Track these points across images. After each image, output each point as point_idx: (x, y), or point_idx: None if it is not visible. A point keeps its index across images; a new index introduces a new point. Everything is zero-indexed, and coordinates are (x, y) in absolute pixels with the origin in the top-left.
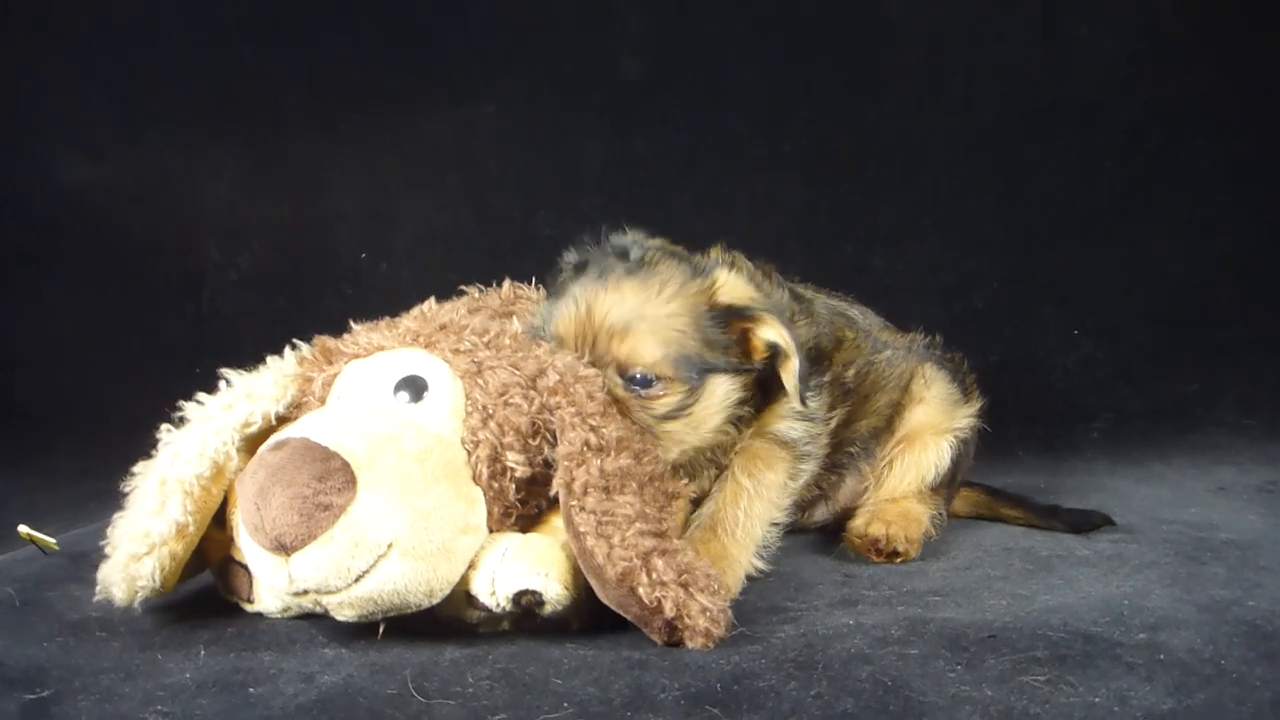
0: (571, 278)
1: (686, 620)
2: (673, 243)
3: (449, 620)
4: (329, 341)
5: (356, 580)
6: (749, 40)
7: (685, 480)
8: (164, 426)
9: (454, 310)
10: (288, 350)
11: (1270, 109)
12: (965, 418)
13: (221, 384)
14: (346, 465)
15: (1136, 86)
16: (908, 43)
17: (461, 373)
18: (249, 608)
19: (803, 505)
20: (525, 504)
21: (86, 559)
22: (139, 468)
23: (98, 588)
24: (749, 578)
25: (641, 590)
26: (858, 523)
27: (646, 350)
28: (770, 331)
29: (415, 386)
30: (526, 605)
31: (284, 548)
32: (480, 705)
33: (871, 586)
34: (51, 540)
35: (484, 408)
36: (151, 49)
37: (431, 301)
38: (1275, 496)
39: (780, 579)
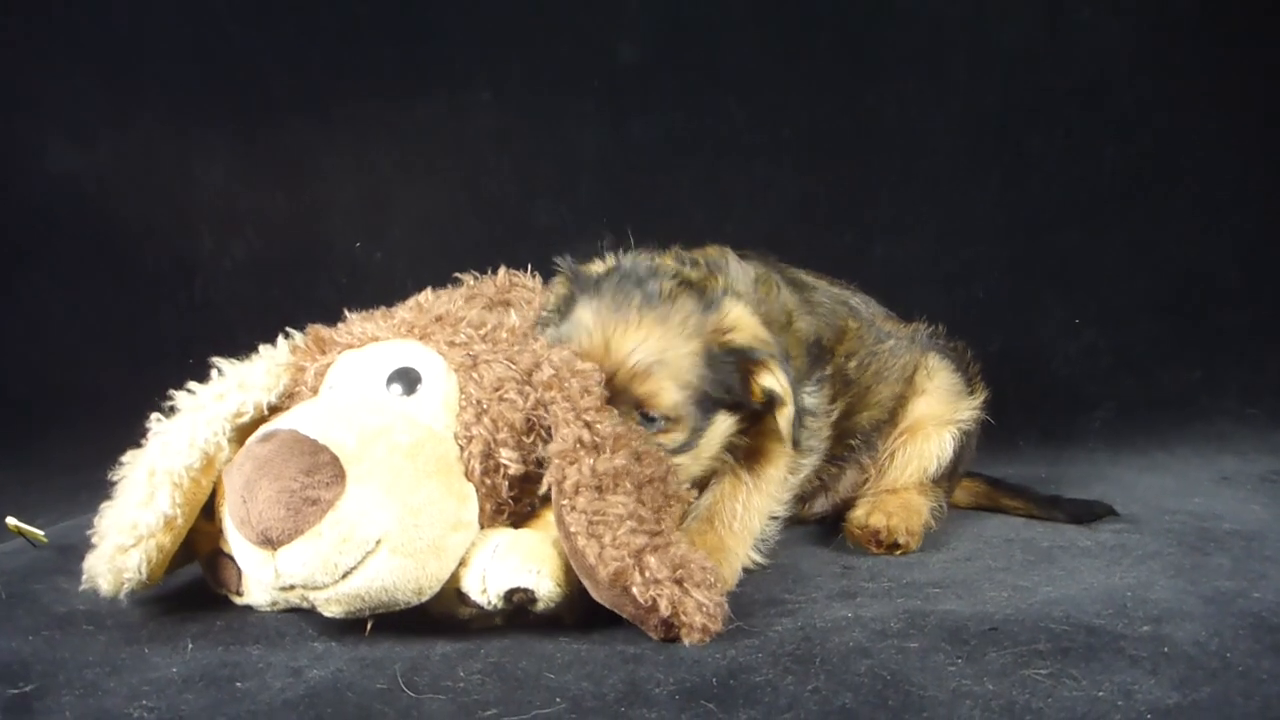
0: (580, 294)
1: (682, 617)
2: (671, 234)
3: (440, 616)
4: (322, 330)
5: (344, 576)
6: (747, 25)
7: (688, 486)
8: (154, 416)
9: (450, 301)
10: (280, 339)
11: (1274, 94)
12: (969, 409)
13: (213, 373)
14: (335, 459)
15: (1139, 72)
16: (908, 27)
17: (456, 366)
18: (238, 600)
19: (803, 497)
20: (518, 501)
21: (75, 551)
22: (128, 457)
23: (83, 578)
24: (746, 570)
25: (635, 590)
26: (858, 514)
27: (667, 396)
28: (770, 380)
29: (409, 379)
30: (518, 602)
31: (270, 542)
32: (471, 700)
33: (871, 579)
34: (40, 533)
35: (478, 402)
36: (143, 33)
37: (428, 292)
38: (1279, 486)
39: (778, 571)
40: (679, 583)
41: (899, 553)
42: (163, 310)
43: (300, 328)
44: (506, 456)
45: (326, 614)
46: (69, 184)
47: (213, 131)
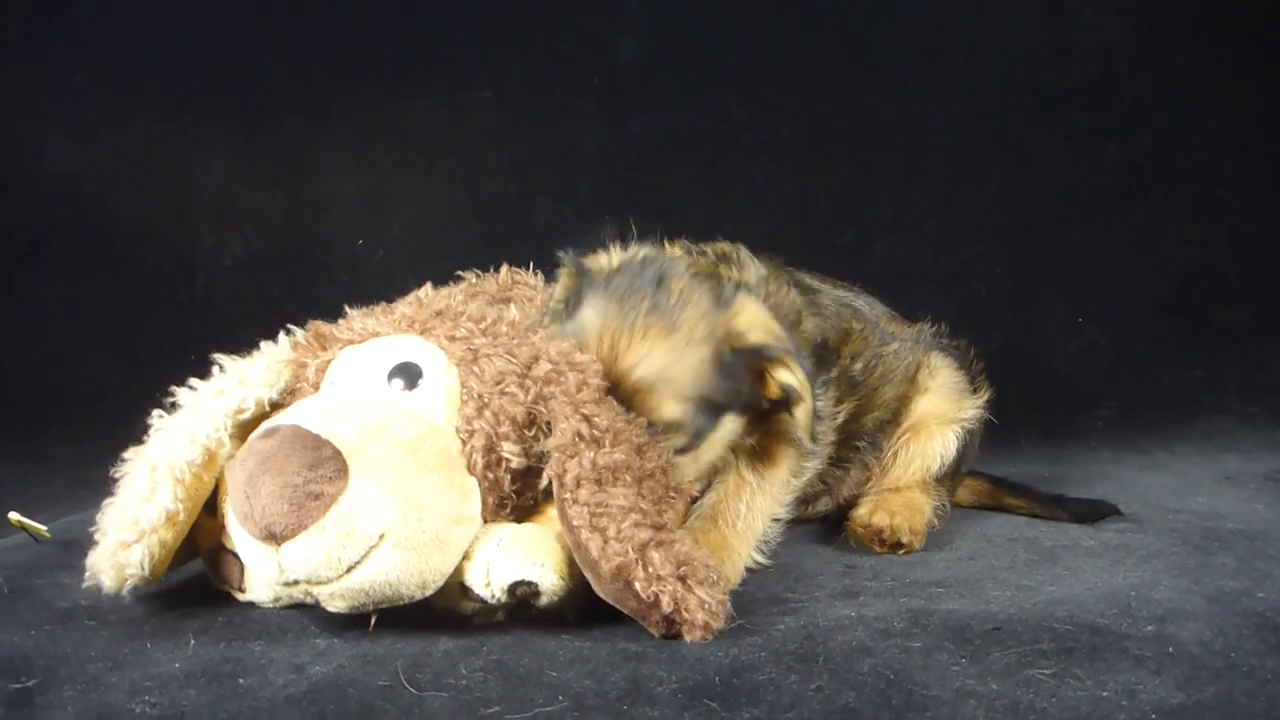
0: (588, 290)
1: (685, 614)
2: (671, 233)
3: (443, 611)
4: (323, 327)
5: (348, 571)
6: (748, 23)
7: (691, 479)
8: (156, 412)
9: (450, 296)
10: (282, 335)
11: (1275, 93)
12: (972, 408)
13: (215, 369)
14: (338, 454)
15: (1140, 71)
16: (909, 27)
17: (457, 360)
18: (240, 597)
19: (806, 499)
20: (520, 495)
21: (77, 546)
22: (130, 454)
23: (86, 574)
24: (748, 570)
25: (638, 585)
26: (861, 512)
27: (669, 409)
28: (787, 374)
29: (410, 374)
30: (522, 596)
31: (274, 537)
32: (473, 697)
33: (874, 577)
34: (43, 528)
35: (479, 396)
36: (143, 33)
37: (428, 287)
38: None
39: (781, 569)
40: (682, 579)
41: (902, 552)
42: (163, 308)
43: (301, 325)
44: (508, 450)
45: (330, 609)
46: (69, 182)
47: (213, 130)
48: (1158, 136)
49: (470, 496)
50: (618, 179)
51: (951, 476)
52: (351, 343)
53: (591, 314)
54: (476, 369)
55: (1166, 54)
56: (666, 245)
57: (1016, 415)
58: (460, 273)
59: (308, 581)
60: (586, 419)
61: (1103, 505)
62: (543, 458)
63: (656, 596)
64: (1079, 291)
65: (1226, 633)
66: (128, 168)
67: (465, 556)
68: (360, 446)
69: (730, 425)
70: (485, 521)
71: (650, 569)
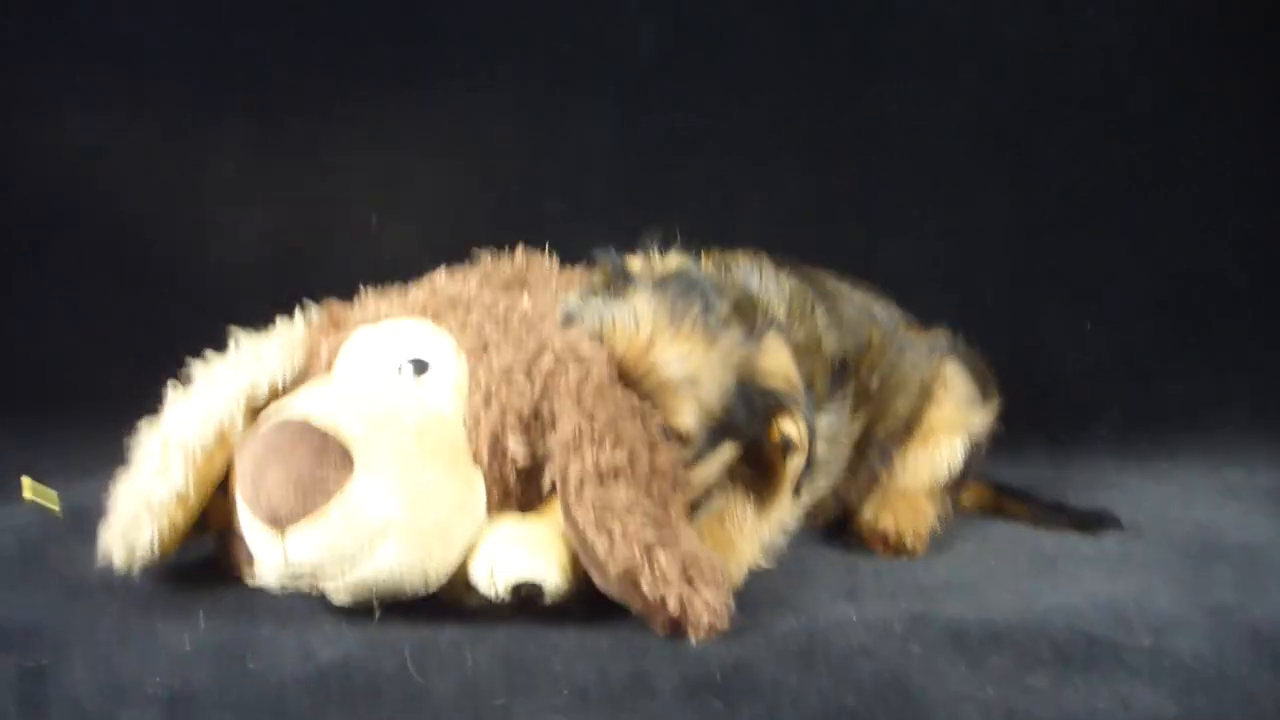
0: (639, 284)
1: (690, 615)
2: (680, 232)
3: (448, 602)
4: (338, 307)
5: (352, 564)
6: (752, 24)
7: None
8: (170, 383)
9: (464, 283)
10: (297, 313)
11: None
12: (981, 418)
13: (230, 344)
14: (343, 444)
15: (1145, 73)
16: (913, 28)
17: (467, 349)
18: (250, 581)
19: (816, 511)
20: (526, 488)
21: (88, 516)
22: (143, 427)
23: (98, 551)
24: (751, 570)
25: (645, 586)
26: (866, 514)
27: (688, 415)
28: (790, 426)
29: (419, 361)
30: (526, 595)
31: (278, 522)
32: (479, 686)
33: (875, 579)
34: (53, 493)
35: (487, 387)
36: (148, 30)
37: (443, 272)
38: None
39: (783, 568)
40: (689, 581)
41: (905, 555)
42: (168, 308)
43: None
44: (514, 443)
45: (335, 601)
46: (75, 181)
47: (220, 131)
48: (1161, 139)
49: (475, 488)
50: (624, 179)
51: (957, 483)
52: (364, 324)
53: (641, 302)
54: (485, 359)
55: (1170, 56)
56: (702, 257)
57: (1021, 420)
58: (477, 250)
59: (312, 574)
60: (590, 415)
61: (1104, 514)
62: (547, 454)
63: (663, 598)
64: (1084, 297)
65: (1222, 646)
66: (134, 167)
67: (470, 551)
68: (367, 436)
69: (727, 452)
70: (490, 514)
71: (657, 571)
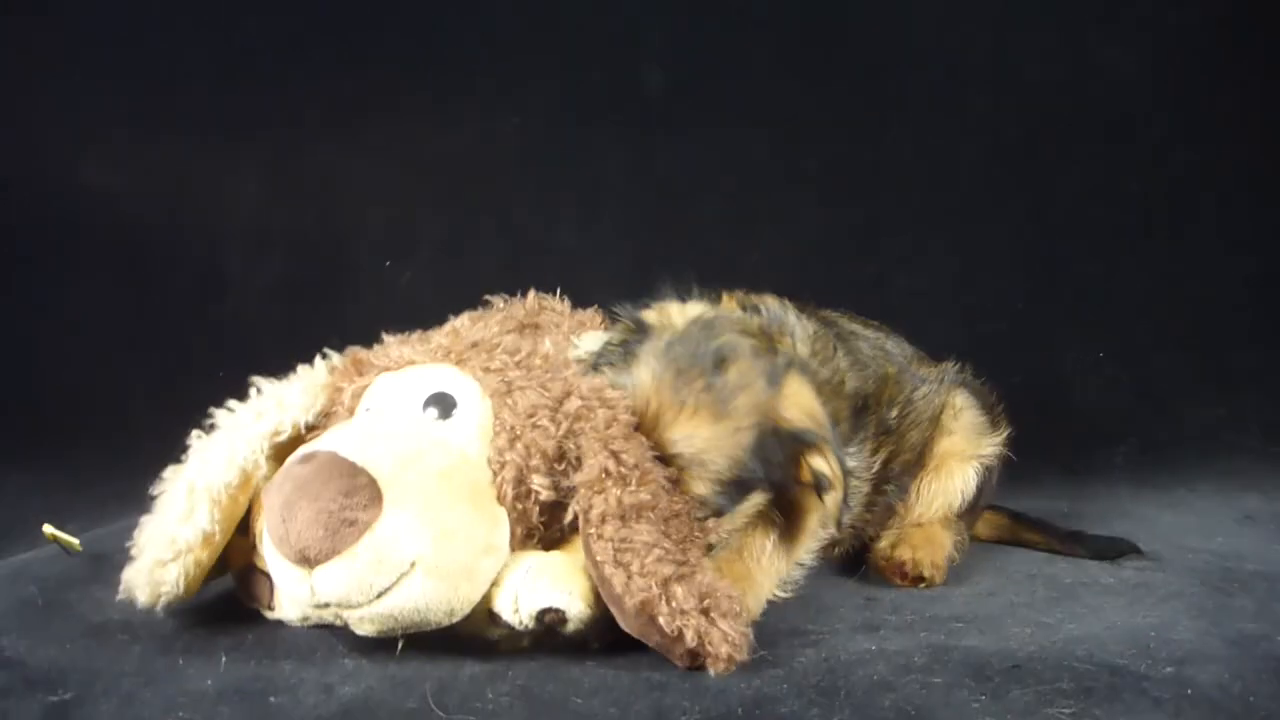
0: (647, 346)
1: (709, 647)
2: (694, 264)
3: (469, 636)
4: (360, 353)
5: (378, 597)
6: (772, 57)
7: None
8: (194, 433)
9: (486, 328)
10: (319, 360)
11: None
12: (991, 446)
13: (252, 391)
14: (373, 481)
15: (1160, 107)
16: (930, 62)
17: (491, 392)
18: (269, 615)
19: (833, 543)
20: (548, 526)
21: (109, 560)
22: (168, 473)
23: (121, 588)
24: (769, 601)
25: (662, 619)
26: (883, 545)
27: (699, 488)
28: (821, 463)
29: (444, 404)
30: (549, 623)
31: (308, 561)
32: None
33: (894, 611)
34: (75, 541)
35: (511, 428)
36: (174, 53)
37: (465, 317)
38: None
39: (802, 601)
40: (705, 613)
41: (923, 586)
42: (192, 326)
43: (328, 347)
44: (538, 483)
45: (360, 632)
46: (99, 198)
47: (244, 153)
48: (1177, 174)
49: (499, 527)
50: (641, 209)
51: (971, 511)
52: (388, 369)
53: (646, 374)
54: (510, 401)
55: (1183, 92)
56: (724, 297)
57: (1037, 450)
58: (488, 297)
59: (338, 605)
60: (615, 455)
61: (1122, 543)
62: (571, 492)
63: (680, 631)
64: (1098, 328)
65: (1245, 676)
66: (160, 187)
67: (494, 583)
68: (394, 475)
69: (756, 500)
70: (513, 551)
71: (674, 604)
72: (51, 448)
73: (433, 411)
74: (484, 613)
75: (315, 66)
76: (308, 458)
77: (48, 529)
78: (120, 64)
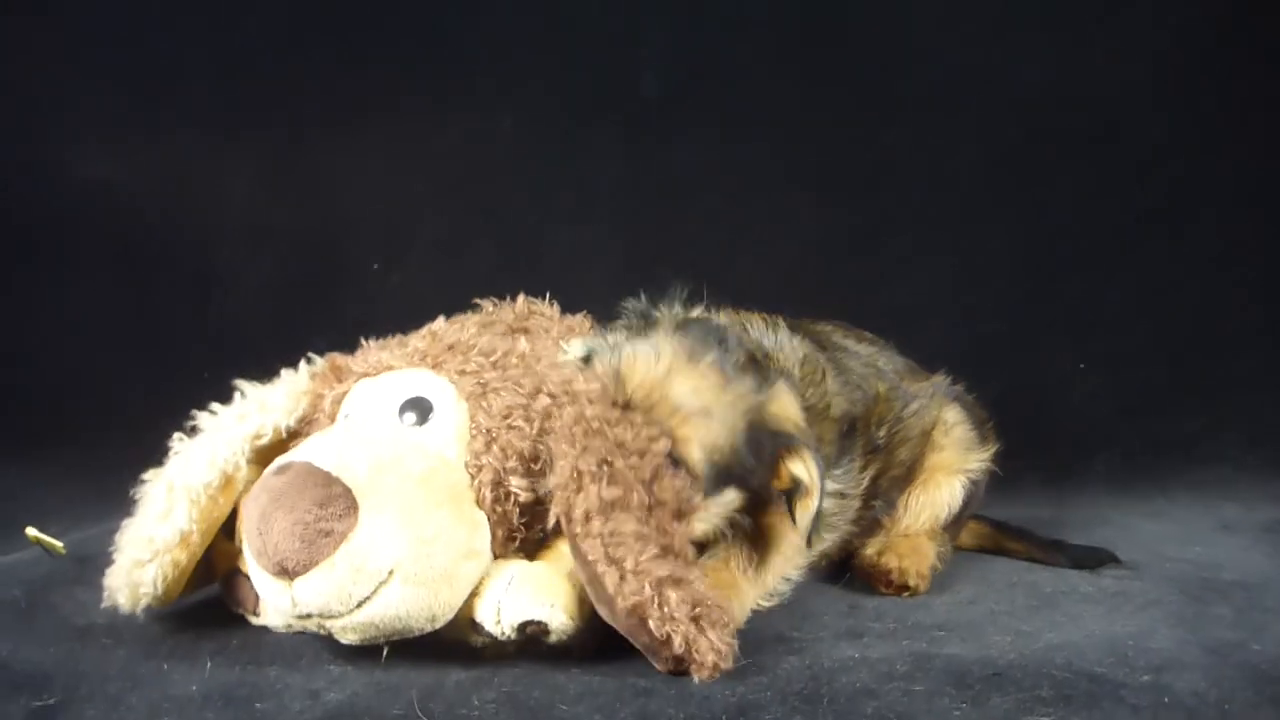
0: (663, 325)
1: (695, 655)
2: (689, 267)
3: (454, 642)
4: (340, 359)
5: (359, 606)
6: (768, 61)
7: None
8: (176, 435)
9: (463, 329)
10: (302, 364)
11: None
12: (978, 460)
13: (236, 395)
14: (348, 490)
15: (1154, 116)
16: (926, 68)
17: (467, 394)
18: (254, 620)
19: (820, 556)
20: (529, 528)
21: (92, 562)
22: (149, 475)
23: (104, 594)
24: (752, 610)
25: (652, 623)
26: (869, 553)
27: (697, 446)
28: (800, 468)
29: (421, 408)
30: (531, 635)
31: (286, 573)
32: None
33: (876, 618)
34: (58, 543)
35: (488, 431)
36: (172, 50)
37: (441, 320)
38: None
39: (786, 608)
40: (696, 620)
41: (907, 594)
42: (183, 324)
43: (318, 348)
44: (516, 485)
45: (343, 641)
46: (96, 197)
47: (240, 150)
48: (1164, 187)
49: (479, 531)
50: (636, 210)
51: (956, 523)
52: (366, 375)
53: (663, 339)
54: (485, 403)
55: (1175, 101)
56: (719, 311)
57: (1019, 459)
58: (477, 301)
59: (320, 615)
60: (585, 450)
61: (1102, 552)
62: (550, 494)
63: (669, 636)
64: (1083, 338)
65: (1221, 684)
66: (154, 184)
67: (476, 593)
68: (370, 483)
69: (730, 497)
70: (495, 555)
71: (665, 609)
72: (35, 449)
73: (410, 416)
74: (466, 621)
75: (312, 66)
76: (283, 468)
77: (31, 531)
78: (116, 62)
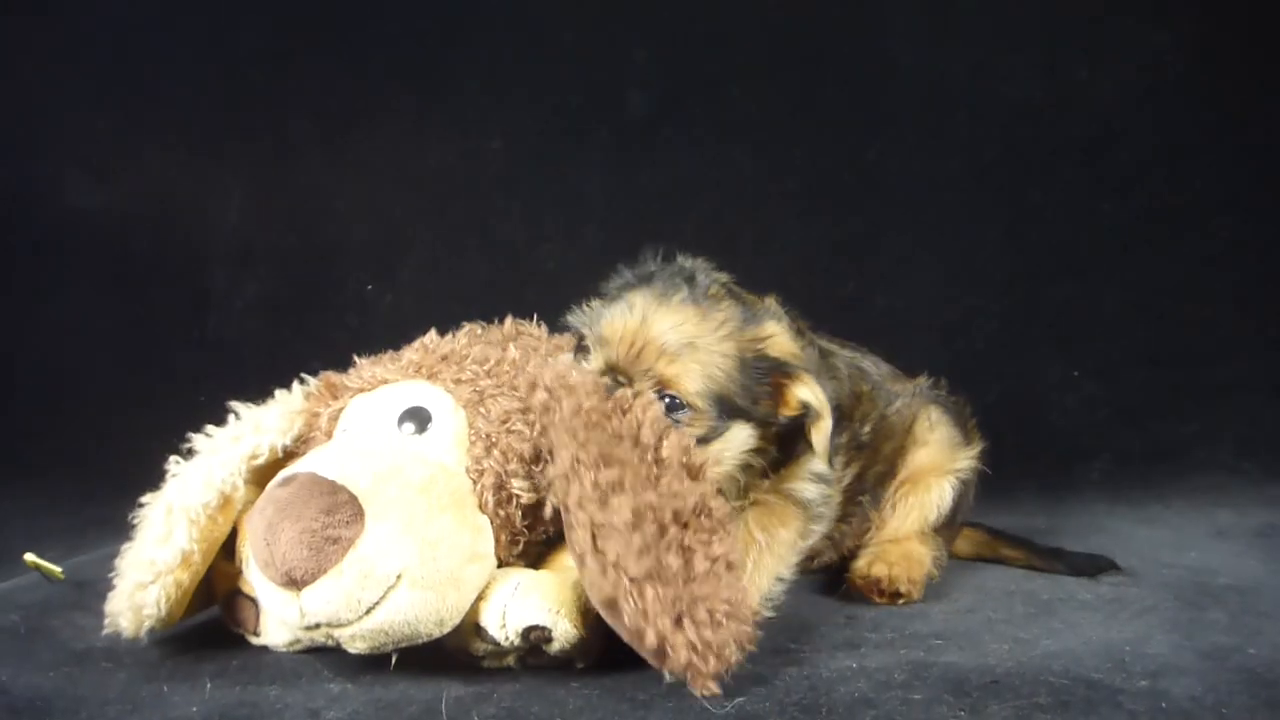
0: (630, 286)
1: (669, 653)
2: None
3: (456, 650)
4: (334, 376)
5: (367, 612)
6: (754, 76)
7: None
8: (172, 458)
9: (455, 340)
10: (296, 384)
11: (1271, 148)
12: (965, 459)
13: (230, 417)
14: (353, 498)
15: (1137, 127)
16: (911, 82)
17: (464, 402)
18: (254, 640)
19: (811, 555)
20: (532, 530)
21: (91, 587)
22: (147, 498)
23: (106, 620)
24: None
25: (625, 617)
26: (860, 564)
27: (690, 379)
28: (806, 391)
29: (419, 418)
30: (535, 641)
31: (295, 582)
32: None
33: (874, 629)
34: (57, 569)
35: (487, 436)
36: (161, 72)
37: (433, 333)
38: (1274, 541)
39: (783, 619)
40: (678, 618)
41: (901, 602)
42: (175, 347)
43: (310, 367)
44: (518, 487)
45: (352, 650)
46: (87, 221)
47: (229, 171)
48: (1154, 193)
49: (483, 534)
50: (625, 228)
51: (948, 526)
52: (361, 390)
53: (633, 294)
54: (483, 409)
55: (1162, 113)
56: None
57: (1013, 467)
58: (466, 323)
59: (329, 624)
60: (584, 445)
61: (1101, 559)
62: (549, 486)
63: (642, 631)
64: (1075, 345)
65: (1218, 688)
66: (144, 207)
67: (483, 598)
68: (374, 490)
69: (741, 434)
70: (499, 557)
71: (639, 604)
72: (32, 475)
73: (409, 426)
74: (471, 627)
75: (302, 86)
76: (287, 480)
77: (29, 557)
78: (106, 80)
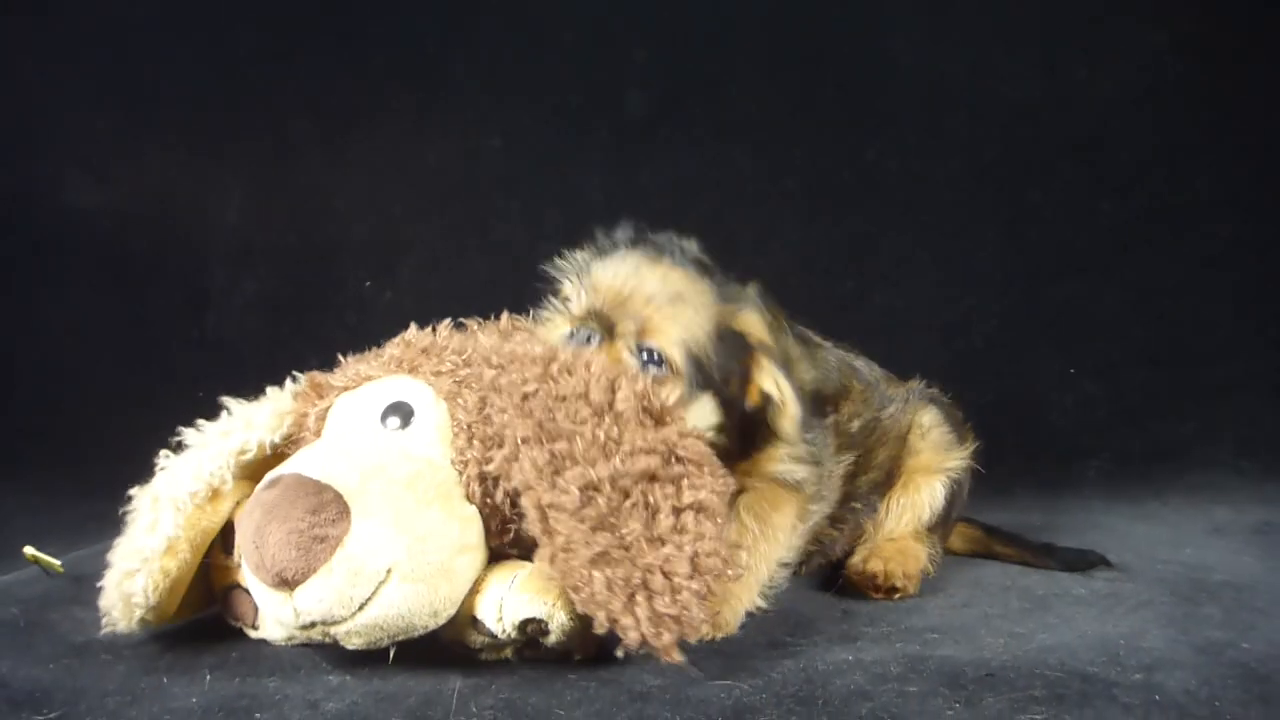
0: (622, 245)
1: (621, 632)
2: None
3: (453, 643)
4: (319, 376)
5: (360, 608)
6: (753, 76)
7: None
8: (163, 452)
9: (435, 332)
10: (287, 383)
11: (1270, 148)
12: (958, 459)
13: (223, 412)
14: (339, 496)
15: (1136, 127)
16: (910, 83)
17: (444, 394)
18: (253, 634)
19: (802, 559)
20: (522, 517)
21: (90, 580)
22: (134, 491)
23: (103, 619)
24: (749, 614)
25: (577, 602)
26: (856, 559)
27: (675, 328)
28: (769, 383)
29: (403, 412)
30: (532, 634)
31: (286, 583)
32: None
33: (870, 623)
34: (56, 562)
35: (468, 427)
36: (161, 72)
37: (413, 327)
38: (1270, 538)
39: (780, 614)
40: (630, 596)
41: (897, 597)
42: (175, 345)
43: (309, 366)
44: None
45: (349, 646)
46: (85, 220)
47: (228, 170)
48: (1152, 192)
49: (472, 525)
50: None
51: (942, 524)
52: (346, 389)
53: (624, 251)
54: (461, 400)
55: (1161, 113)
56: None
57: (1011, 464)
58: (463, 320)
59: (323, 622)
60: (526, 417)
61: (1093, 555)
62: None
63: (594, 614)
64: (1074, 344)
65: (1212, 682)
66: (144, 206)
67: (478, 591)
68: (360, 487)
69: (707, 407)
70: (490, 546)
71: (587, 589)
72: (31, 470)
73: (394, 421)
74: (468, 619)
75: (302, 86)
76: (273, 482)
77: (29, 550)
78: (106, 80)
